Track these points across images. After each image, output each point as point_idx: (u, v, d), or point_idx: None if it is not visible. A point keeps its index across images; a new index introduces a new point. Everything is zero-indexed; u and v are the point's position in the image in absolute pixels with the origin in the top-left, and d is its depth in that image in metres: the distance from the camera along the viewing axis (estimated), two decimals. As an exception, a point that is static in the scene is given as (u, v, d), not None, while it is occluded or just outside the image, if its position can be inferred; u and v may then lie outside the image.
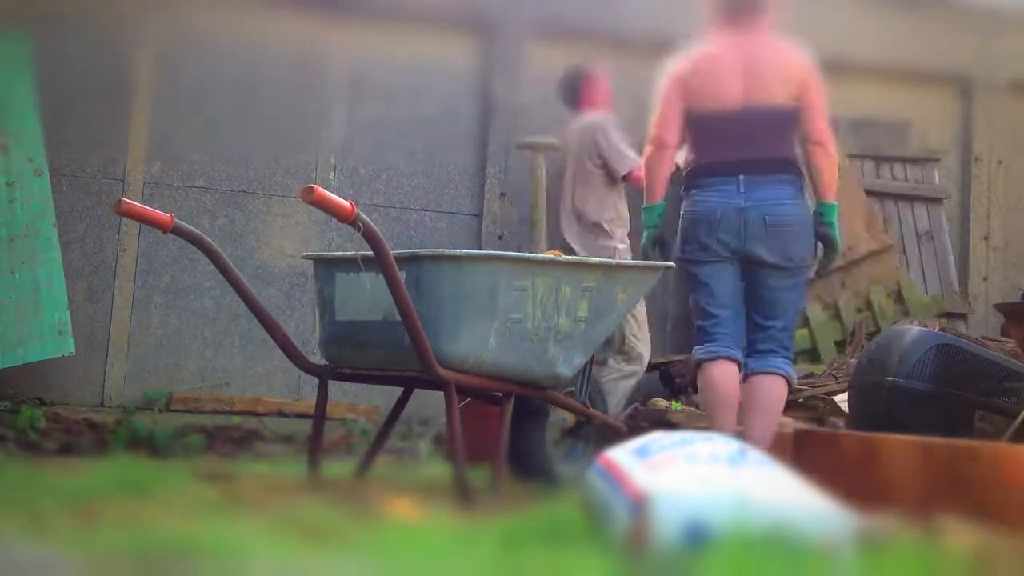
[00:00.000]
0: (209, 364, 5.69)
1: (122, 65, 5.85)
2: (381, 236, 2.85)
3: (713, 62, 3.69)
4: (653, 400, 5.30)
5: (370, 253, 2.92)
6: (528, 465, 3.23)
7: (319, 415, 3.32)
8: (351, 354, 3.20)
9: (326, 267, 3.32)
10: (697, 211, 3.55)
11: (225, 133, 5.95)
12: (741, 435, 3.00)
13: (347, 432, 4.88)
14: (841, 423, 4.33)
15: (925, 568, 1.47)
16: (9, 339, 4.69)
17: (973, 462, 2.47)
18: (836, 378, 5.11)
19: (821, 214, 3.53)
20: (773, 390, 3.41)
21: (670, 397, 5.43)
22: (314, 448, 3.26)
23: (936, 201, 6.83)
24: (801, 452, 3.22)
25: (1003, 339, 4.94)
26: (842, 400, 4.56)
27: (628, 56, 6.46)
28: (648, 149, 3.76)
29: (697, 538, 1.44)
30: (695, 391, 4.63)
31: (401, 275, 2.86)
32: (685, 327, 6.44)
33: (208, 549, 1.40)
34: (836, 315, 6.29)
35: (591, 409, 3.48)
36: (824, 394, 4.84)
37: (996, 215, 6.86)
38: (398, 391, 3.53)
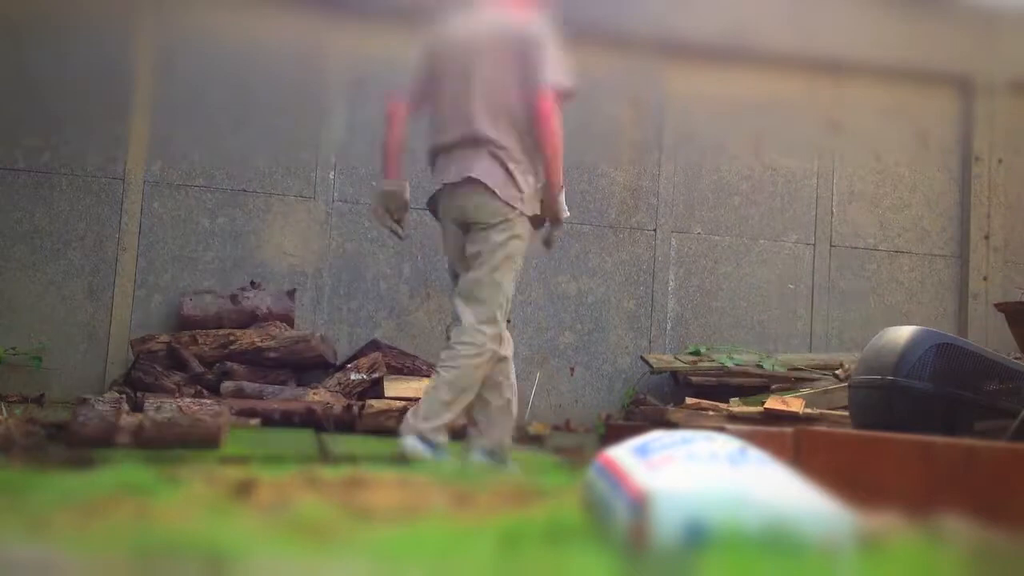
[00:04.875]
0: (209, 363, 5.68)
1: (122, 65, 5.85)
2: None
3: None
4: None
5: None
6: None
7: None
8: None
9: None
10: None
11: (225, 132, 5.95)
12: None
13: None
14: None
15: (925, 568, 1.47)
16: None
17: (973, 462, 2.47)
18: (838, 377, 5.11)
19: None
20: None
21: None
22: None
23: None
24: (801, 452, 3.21)
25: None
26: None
27: (628, 56, 6.47)
28: None
29: (697, 537, 1.44)
30: None
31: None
32: (684, 325, 6.44)
33: (208, 549, 1.40)
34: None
35: None
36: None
37: (996, 214, 6.87)
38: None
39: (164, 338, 5.33)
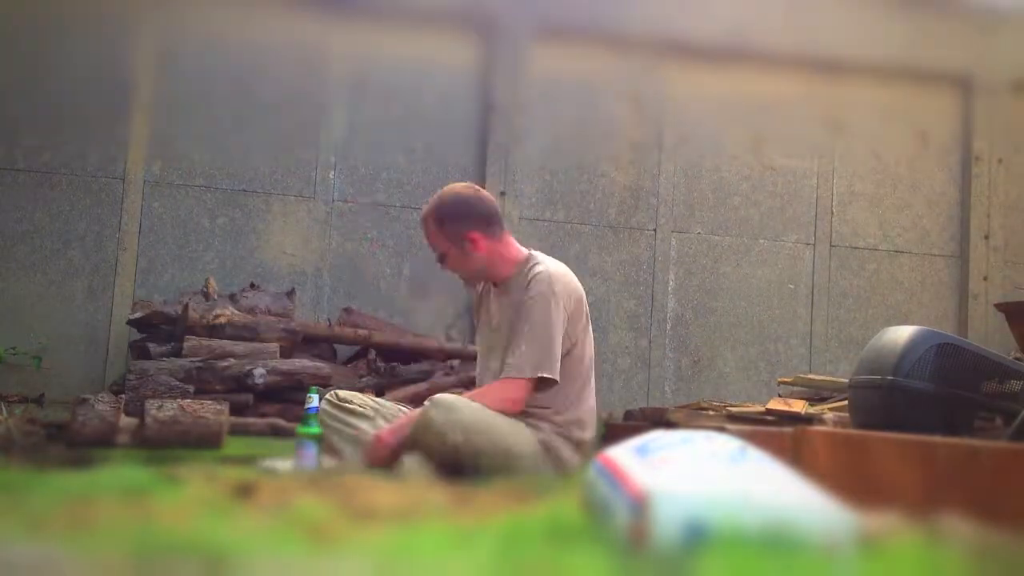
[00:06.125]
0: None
1: (122, 65, 5.85)
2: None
3: None
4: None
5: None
6: None
7: None
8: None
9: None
10: None
11: (225, 132, 5.95)
12: None
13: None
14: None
15: (925, 568, 1.47)
16: None
17: (973, 462, 2.46)
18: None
19: None
20: None
21: None
22: None
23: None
24: (801, 452, 3.21)
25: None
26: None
27: (628, 56, 6.47)
28: None
29: (697, 537, 1.44)
30: None
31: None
32: (685, 326, 6.44)
33: (208, 549, 1.40)
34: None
35: None
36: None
37: (996, 214, 6.87)
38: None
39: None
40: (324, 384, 4.82)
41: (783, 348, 6.57)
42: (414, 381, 5.19)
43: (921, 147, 6.91)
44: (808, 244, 6.71)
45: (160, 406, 3.88)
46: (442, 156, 6.23)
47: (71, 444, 3.77)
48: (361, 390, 5.02)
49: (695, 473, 1.62)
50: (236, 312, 5.01)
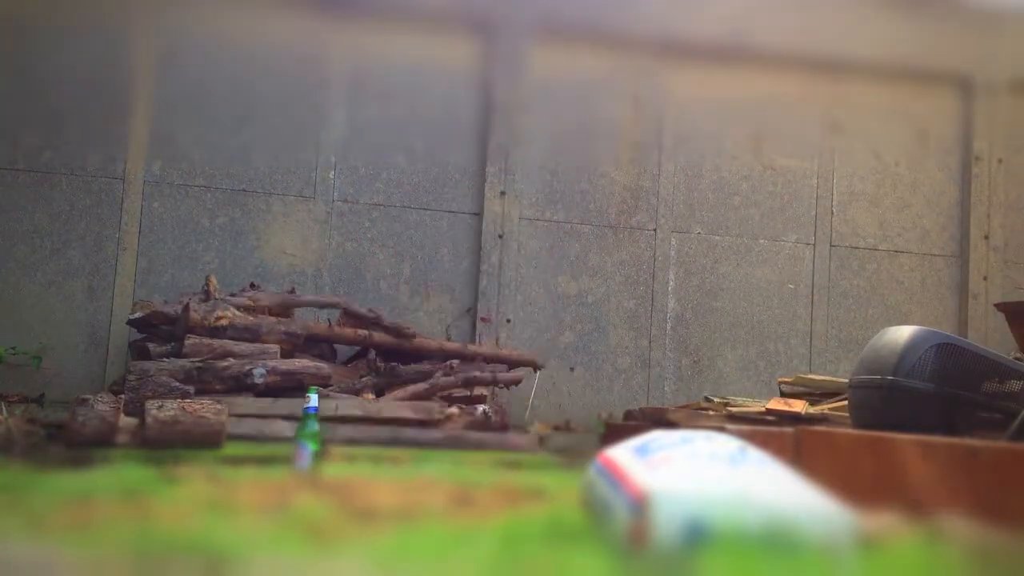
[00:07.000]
0: (209, 363, 5.67)
1: (122, 65, 5.85)
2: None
3: None
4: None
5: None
6: None
7: None
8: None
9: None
10: None
11: (225, 132, 5.95)
12: None
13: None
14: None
15: (925, 568, 1.47)
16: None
17: (973, 462, 2.46)
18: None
19: None
20: None
21: None
22: None
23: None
24: (801, 452, 3.22)
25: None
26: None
27: (628, 56, 6.47)
28: None
29: (697, 537, 1.44)
30: None
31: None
32: (685, 326, 6.44)
33: (208, 549, 1.40)
34: None
35: None
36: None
37: (996, 214, 6.87)
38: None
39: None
40: (324, 384, 4.82)
41: (783, 348, 6.57)
42: (414, 381, 5.19)
43: (921, 147, 6.91)
44: (808, 244, 6.71)
45: (160, 406, 3.88)
46: (442, 156, 6.23)
47: (71, 444, 3.77)
48: (360, 391, 5.02)
49: (695, 473, 1.62)
50: (237, 313, 5.01)
